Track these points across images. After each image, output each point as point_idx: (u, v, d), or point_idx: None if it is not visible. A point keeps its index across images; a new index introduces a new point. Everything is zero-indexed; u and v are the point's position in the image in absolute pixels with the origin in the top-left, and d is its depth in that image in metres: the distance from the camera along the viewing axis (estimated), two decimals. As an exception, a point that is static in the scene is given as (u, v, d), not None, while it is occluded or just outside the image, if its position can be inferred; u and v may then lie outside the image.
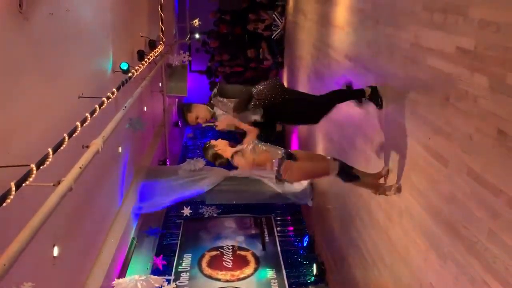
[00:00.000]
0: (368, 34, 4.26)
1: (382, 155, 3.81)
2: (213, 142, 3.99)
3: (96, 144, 3.16)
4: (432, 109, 2.88)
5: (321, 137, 6.47)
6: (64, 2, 3.60)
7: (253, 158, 3.64)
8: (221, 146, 3.90)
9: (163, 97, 8.45)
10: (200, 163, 6.67)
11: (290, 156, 3.57)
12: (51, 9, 3.29)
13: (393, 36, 3.53)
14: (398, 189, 3.37)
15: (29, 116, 3.00)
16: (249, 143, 3.75)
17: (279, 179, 3.61)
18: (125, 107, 4.24)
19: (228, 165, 4.04)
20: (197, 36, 12.03)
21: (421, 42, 3.04)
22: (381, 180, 3.61)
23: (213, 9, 11.05)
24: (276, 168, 3.54)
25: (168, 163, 8.36)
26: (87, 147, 3.16)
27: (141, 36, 6.57)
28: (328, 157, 3.74)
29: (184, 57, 9.51)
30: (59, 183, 2.57)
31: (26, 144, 2.91)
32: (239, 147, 3.84)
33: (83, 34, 4.15)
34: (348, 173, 3.57)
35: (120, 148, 5.46)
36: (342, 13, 5.25)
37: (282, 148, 3.67)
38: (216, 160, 3.92)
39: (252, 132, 3.97)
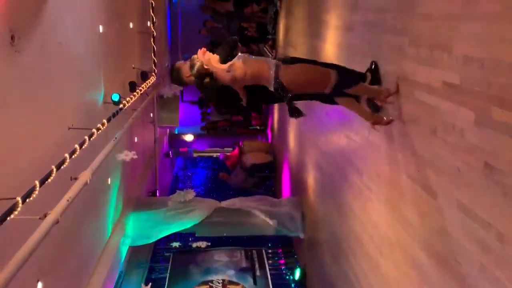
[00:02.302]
0: (356, 68, 4.33)
1: (372, 187, 3.82)
2: (200, 55, 3.38)
3: (85, 176, 3.13)
4: (420, 141, 2.91)
5: (311, 166, 6.48)
6: (56, 34, 3.63)
7: (246, 70, 3.22)
8: (211, 63, 3.34)
9: (154, 128, 8.47)
10: (190, 194, 6.62)
11: (286, 61, 3.32)
12: (43, 41, 3.32)
13: (381, 70, 3.60)
14: (397, 87, 3.15)
15: (17, 147, 2.97)
16: (238, 56, 3.33)
17: (279, 87, 3.21)
18: (115, 138, 4.23)
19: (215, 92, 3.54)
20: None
21: (408, 76, 3.10)
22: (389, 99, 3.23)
23: (205, 42, 11.23)
24: (274, 75, 3.20)
25: (158, 194, 8.29)
26: (76, 179, 3.13)
27: (133, 68, 6.63)
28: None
29: (176, 87, 9.58)
30: (45, 216, 2.53)
31: (13, 175, 2.87)
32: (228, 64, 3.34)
33: (74, 66, 4.18)
34: (348, 79, 3.26)
35: (109, 180, 5.41)
36: (330, 48, 5.36)
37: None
38: (201, 74, 3.37)
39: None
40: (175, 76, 3.72)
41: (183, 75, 3.62)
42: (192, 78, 3.53)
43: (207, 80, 3.40)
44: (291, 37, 8.33)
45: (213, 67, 3.35)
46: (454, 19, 2.50)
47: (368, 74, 3.63)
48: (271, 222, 6.60)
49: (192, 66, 3.47)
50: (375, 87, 3.44)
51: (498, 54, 2.11)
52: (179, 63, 3.72)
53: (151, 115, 8.21)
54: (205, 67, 3.37)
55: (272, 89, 3.28)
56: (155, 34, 7.62)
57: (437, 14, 2.69)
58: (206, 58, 3.36)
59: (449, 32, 2.54)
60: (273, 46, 9.92)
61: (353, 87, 3.24)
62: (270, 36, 10.05)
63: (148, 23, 7.54)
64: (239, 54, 3.38)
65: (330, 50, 5.38)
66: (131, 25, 6.65)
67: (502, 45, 2.08)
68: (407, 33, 3.11)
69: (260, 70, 3.27)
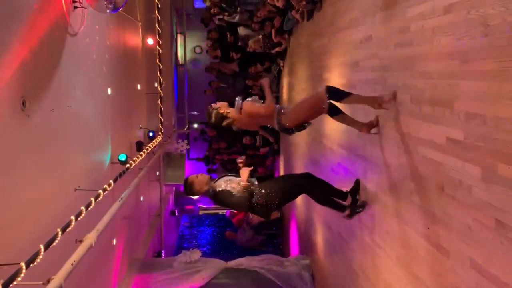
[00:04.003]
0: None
1: (382, 245, 3.73)
2: (213, 105, 4.05)
3: (90, 238, 3.10)
4: (429, 198, 2.88)
5: (319, 223, 6.37)
6: (66, 98, 3.74)
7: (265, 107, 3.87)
8: (224, 108, 4.00)
9: (160, 186, 8.46)
10: (196, 254, 6.48)
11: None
12: (53, 105, 3.41)
13: (384, 126, 3.64)
14: (394, 95, 3.34)
15: (24, 211, 2.97)
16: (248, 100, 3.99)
17: (281, 128, 3.85)
18: (121, 198, 4.22)
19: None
20: (195, 125, 12.37)
21: (411, 133, 3.12)
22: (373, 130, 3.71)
23: (210, 101, 11.48)
24: (276, 119, 3.81)
25: (163, 254, 8.13)
26: (81, 241, 3.09)
27: (140, 128, 6.75)
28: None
29: (182, 145, 9.69)
30: (48, 282, 2.47)
31: (19, 238, 2.84)
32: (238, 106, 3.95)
33: (82, 128, 4.26)
34: (337, 93, 3.64)
35: (114, 240, 5.34)
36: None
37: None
38: (224, 121, 3.96)
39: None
40: (188, 190, 4.10)
41: (195, 188, 4.04)
42: (205, 189, 4.02)
43: (226, 121, 3.97)
44: (294, 94, 8.52)
45: (227, 111, 3.96)
46: (453, 77, 2.56)
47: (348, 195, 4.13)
48: (279, 281, 6.40)
49: (209, 115, 4.00)
50: (368, 96, 3.68)
51: (499, 111, 2.13)
52: (191, 178, 4.11)
53: (157, 173, 8.23)
54: (221, 112, 3.96)
55: (276, 128, 3.89)
56: (162, 94, 7.82)
57: (436, 72, 2.76)
58: (218, 105, 4.02)
59: (448, 89, 2.59)
60: (277, 103, 10.12)
61: (346, 97, 3.62)
62: (274, 94, 10.28)
63: (156, 84, 7.77)
64: (249, 98, 4.02)
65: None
66: (138, 86, 6.85)
67: (502, 102, 2.11)
68: (408, 91, 3.17)
69: (266, 112, 3.87)
